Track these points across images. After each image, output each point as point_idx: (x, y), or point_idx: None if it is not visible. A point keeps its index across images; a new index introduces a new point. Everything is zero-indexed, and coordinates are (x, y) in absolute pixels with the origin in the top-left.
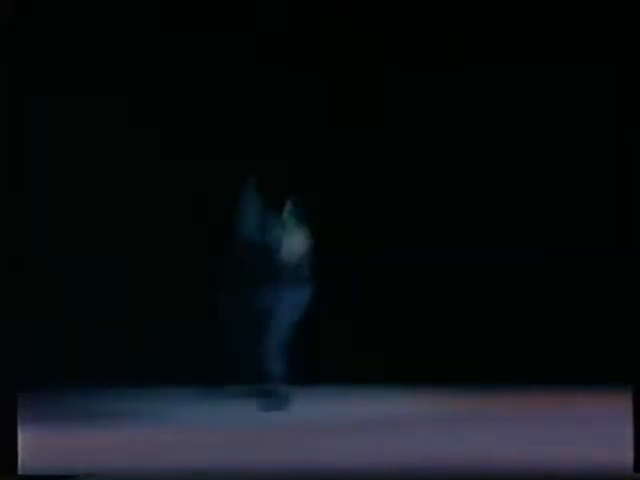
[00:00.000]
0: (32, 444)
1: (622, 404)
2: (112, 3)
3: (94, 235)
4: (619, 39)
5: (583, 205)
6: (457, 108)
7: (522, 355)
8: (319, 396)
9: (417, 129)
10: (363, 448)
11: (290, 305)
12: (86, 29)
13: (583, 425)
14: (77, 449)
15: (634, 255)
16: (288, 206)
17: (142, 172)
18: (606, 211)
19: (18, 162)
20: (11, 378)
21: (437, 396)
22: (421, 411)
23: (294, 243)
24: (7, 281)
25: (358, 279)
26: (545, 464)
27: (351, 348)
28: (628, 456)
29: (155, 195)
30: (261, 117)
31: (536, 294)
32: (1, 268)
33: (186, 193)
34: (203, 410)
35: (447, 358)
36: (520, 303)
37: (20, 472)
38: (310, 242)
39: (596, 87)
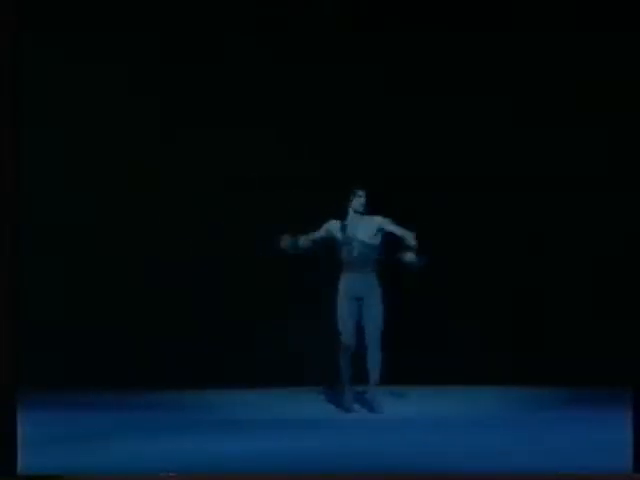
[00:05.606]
0: (31, 444)
1: (622, 405)
2: None
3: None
4: None
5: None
6: None
7: (522, 355)
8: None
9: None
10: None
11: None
12: None
13: (583, 425)
14: (77, 449)
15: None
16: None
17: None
18: None
19: (17, 164)
20: (11, 378)
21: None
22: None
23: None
24: (7, 282)
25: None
26: (545, 464)
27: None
28: (628, 456)
29: None
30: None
31: (537, 295)
32: (1, 269)
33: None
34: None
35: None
36: (518, 304)
37: (19, 472)
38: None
39: None
